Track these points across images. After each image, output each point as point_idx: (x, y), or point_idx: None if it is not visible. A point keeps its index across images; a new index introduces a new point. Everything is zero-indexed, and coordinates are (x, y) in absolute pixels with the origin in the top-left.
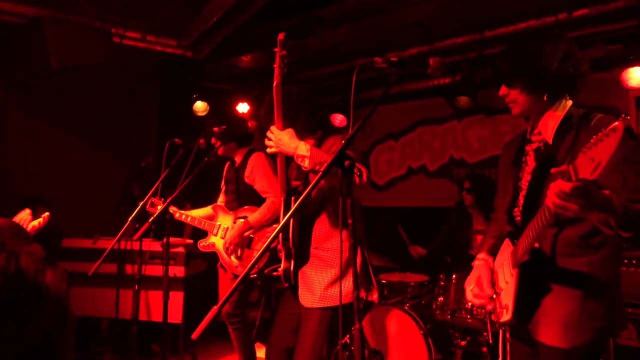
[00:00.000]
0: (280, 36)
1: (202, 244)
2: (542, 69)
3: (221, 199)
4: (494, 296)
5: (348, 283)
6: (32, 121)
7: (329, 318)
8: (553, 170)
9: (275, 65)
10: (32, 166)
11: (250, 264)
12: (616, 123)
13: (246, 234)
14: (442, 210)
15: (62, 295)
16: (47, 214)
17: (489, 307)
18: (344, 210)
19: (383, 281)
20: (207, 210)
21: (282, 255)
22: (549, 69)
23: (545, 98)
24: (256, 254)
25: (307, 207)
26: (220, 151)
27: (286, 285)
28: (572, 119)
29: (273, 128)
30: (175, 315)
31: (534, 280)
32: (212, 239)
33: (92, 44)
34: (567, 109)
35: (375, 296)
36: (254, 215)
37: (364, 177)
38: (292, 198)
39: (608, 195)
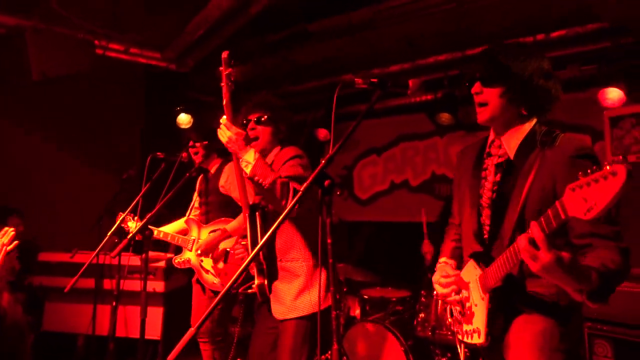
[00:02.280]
0: (224, 54)
1: (176, 260)
2: (530, 79)
3: (193, 213)
4: (461, 314)
5: (316, 292)
6: (12, 131)
7: (304, 328)
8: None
9: (222, 84)
10: (10, 177)
11: (230, 281)
12: (616, 166)
13: (224, 242)
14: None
15: (18, 317)
16: (12, 232)
17: (466, 314)
18: (324, 229)
19: (365, 296)
20: (179, 223)
21: (255, 271)
22: (535, 82)
23: (523, 111)
24: (237, 271)
25: (268, 221)
26: (195, 159)
27: (260, 300)
28: (535, 136)
29: (226, 122)
30: (154, 331)
31: (504, 302)
32: (187, 254)
33: (74, 55)
34: (532, 125)
35: (357, 311)
36: (232, 223)
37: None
38: (257, 213)
39: (586, 268)
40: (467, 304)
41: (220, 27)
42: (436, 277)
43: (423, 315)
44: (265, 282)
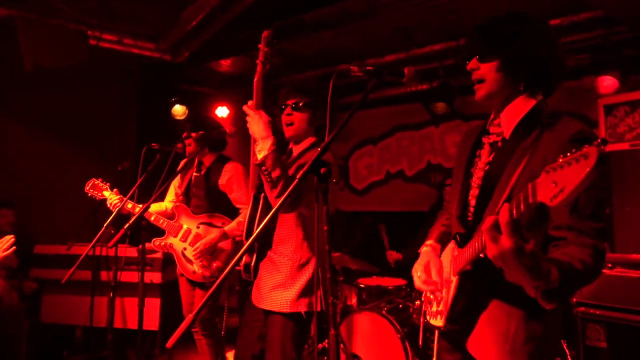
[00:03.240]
0: (265, 33)
1: (157, 242)
2: (527, 49)
3: (171, 199)
4: (429, 297)
5: (290, 294)
6: (4, 122)
7: (291, 324)
8: (501, 210)
9: (258, 61)
10: (4, 170)
11: (227, 269)
12: (588, 148)
13: (221, 243)
14: (419, 215)
15: (14, 302)
16: (11, 239)
17: (436, 295)
18: (320, 217)
19: (361, 285)
20: (157, 206)
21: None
22: (534, 52)
23: (521, 87)
24: (231, 261)
25: (272, 208)
26: (189, 149)
27: (244, 277)
28: (539, 115)
29: (252, 104)
30: (152, 322)
31: (473, 291)
32: (171, 239)
33: (67, 46)
34: (534, 103)
35: (353, 300)
36: (231, 225)
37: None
38: (262, 196)
39: (546, 267)
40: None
41: (215, 17)
42: (416, 268)
43: (419, 302)
44: (252, 262)
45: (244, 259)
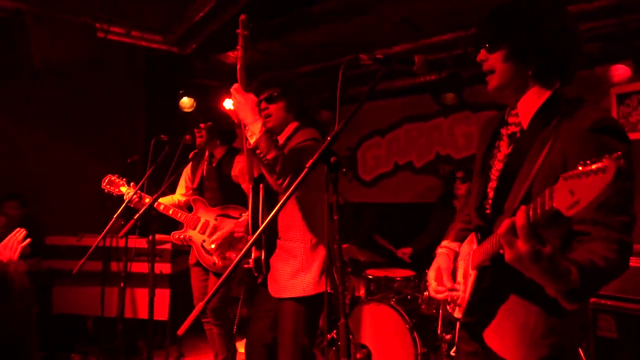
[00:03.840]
0: (242, 17)
1: (177, 236)
2: (534, 35)
3: (182, 191)
4: (454, 288)
5: (311, 275)
6: (15, 117)
7: (303, 309)
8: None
9: (238, 47)
10: (15, 165)
11: (236, 260)
12: (607, 161)
13: (236, 235)
14: (428, 206)
15: (25, 285)
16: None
17: (450, 299)
18: (330, 207)
19: (369, 276)
20: (168, 199)
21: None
22: (544, 38)
23: (533, 75)
24: (241, 252)
25: (273, 197)
26: (198, 141)
27: (256, 274)
28: (557, 104)
29: (237, 87)
30: (162, 312)
31: (493, 285)
32: (190, 232)
33: (75, 40)
34: (552, 91)
35: (362, 291)
36: (246, 215)
37: (286, 179)
38: (260, 186)
39: (566, 268)
40: (457, 276)
41: (222, 9)
42: (430, 275)
43: (427, 293)
44: (262, 255)
45: (253, 253)
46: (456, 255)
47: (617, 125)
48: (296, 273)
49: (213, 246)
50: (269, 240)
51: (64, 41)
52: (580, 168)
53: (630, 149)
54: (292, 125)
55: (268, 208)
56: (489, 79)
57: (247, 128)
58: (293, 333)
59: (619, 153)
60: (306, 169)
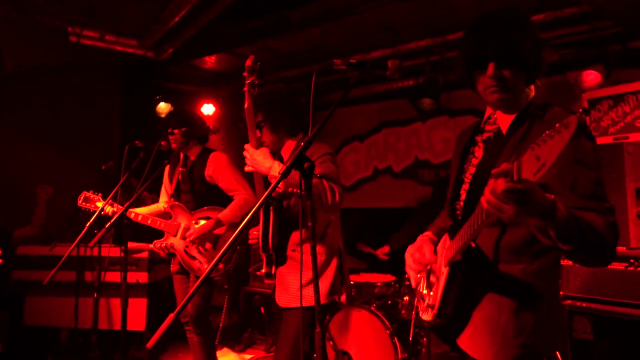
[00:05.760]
0: (248, 62)
1: (159, 245)
2: (530, 51)
3: (165, 199)
4: (422, 292)
5: (324, 285)
6: None
7: (308, 318)
8: (494, 170)
9: (244, 89)
10: None
11: (211, 265)
12: (569, 117)
13: (216, 231)
14: (407, 211)
15: None
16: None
17: (418, 278)
18: (304, 212)
19: (350, 282)
20: (153, 208)
21: (264, 259)
22: (536, 53)
23: (522, 83)
24: (217, 255)
25: (286, 212)
26: (174, 145)
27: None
28: (528, 109)
29: (248, 147)
30: (138, 323)
31: (465, 283)
32: (172, 239)
33: (47, 43)
34: (530, 97)
35: (343, 297)
36: (224, 211)
37: (337, 197)
38: (271, 207)
39: (552, 200)
40: (432, 278)
41: (199, 13)
42: (409, 249)
43: (407, 298)
44: (273, 271)
45: (263, 269)
46: (436, 245)
47: (585, 124)
48: (308, 283)
49: (192, 239)
50: (279, 253)
51: (35, 45)
52: (545, 133)
53: (596, 147)
54: (291, 143)
55: (279, 226)
56: (497, 90)
57: (270, 177)
58: (295, 339)
59: (580, 110)
60: (280, 176)
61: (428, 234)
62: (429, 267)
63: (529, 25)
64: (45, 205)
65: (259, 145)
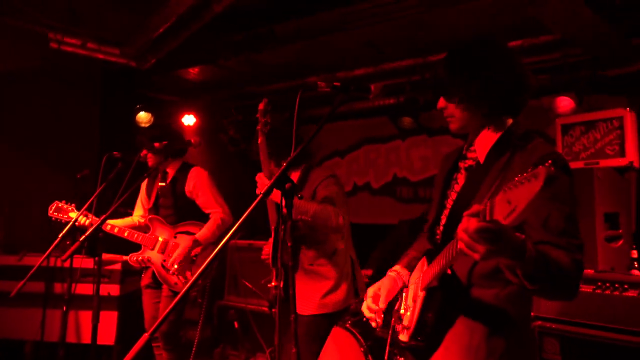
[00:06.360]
0: (261, 106)
1: (135, 258)
2: (481, 80)
3: (140, 213)
4: (399, 313)
5: (341, 294)
6: None
7: (323, 324)
8: (465, 212)
9: (258, 128)
10: None
11: (191, 281)
12: (539, 169)
13: (193, 252)
14: (384, 228)
15: None
16: None
17: (375, 323)
18: (285, 232)
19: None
20: (127, 221)
21: (274, 273)
22: (488, 81)
23: (482, 114)
24: (197, 272)
25: (297, 230)
26: (151, 162)
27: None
28: (510, 139)
29: (260, 175)
30: (108, 337)
31: (440, 308)
32: (149, 253)
33: (27, 48)
34: (506, 127)
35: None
36: (202, 232)
37: (340, 220)
38: (281, 228)
39: (522, 240)
40: (407, 300)
41: (183, 25)
42: (368, 292)
43: (382, 316)
44: (282, 284)
45: (273, 282)
46: (403, 286)
47: (563, 159)
48: (327, 293)
49: (176, 266)
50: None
51: (13, 49)
52: (516, 178)
53: (572, 182)
54: (296, 174)
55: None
56: (450, 121)
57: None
58: (306, 342)
59: (550, 162)
60: (260, 196)
61: (397, 269)
62: (405, 289)
63: (479, 60)
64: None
65: (270, 175)
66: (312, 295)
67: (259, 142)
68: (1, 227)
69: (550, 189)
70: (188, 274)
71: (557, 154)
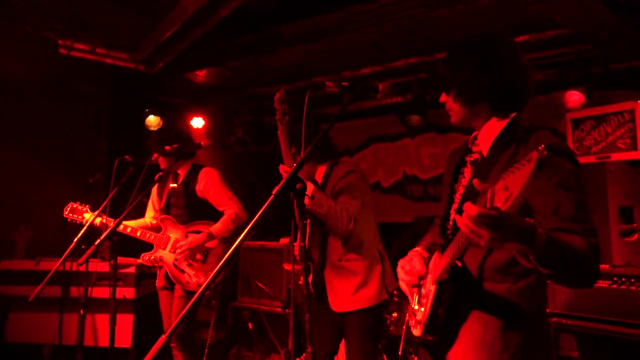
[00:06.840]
0: (277, 95)
1: (147, 257)
2: (479, 76)
3: (151, 214)
4: (413, 308)
5: (373, 288)
6: None
7: (367, 320)
8: (466, 204)
9: (277, 118)
10: None
11: (207, 282)
12: (532, 153)
13: (208, 244)
14: (395, 226)
15: None
16: None
17: (411, 290)
18: (295, 231)
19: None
20: (140, 222)
21: (302, 270)
22: (488, 78)
23: (483, 109)
24: (212, 272)
25: (325, 225)
26: (162, 165)
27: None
28: (515, 131)
29: (283, 167)
30: (124, 339)
31: (451, 301)
32: (161, 252)
33: (36, 55)
34: (509, 119)
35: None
36: (216, 225)
37: (351, 225)
38: (307, 222)
39: (531, 224)
40: (423, 294)
41: (190, 28)
42: (400, 262)
43: (396, 314)
44: (310, 280)
45: (302, 278)
46: (420, 278)
47: (568, 149)
48: (358, 288)
49: (184, 249)
50: (320, 263)
51: (24, 56)
52: (514, 166)
53: (578, 170)
54: (322, 168)
55: (319, 235)
56: (450, 114)
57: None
58: (360, 343)
59: (543, 146)
60: (272, 196)
61: (418, 249)
62: (421, 282)
63: (475, 55)
64: (25, 244)
65: (291, 164)
66: (343, 292)
67: (278, 132)
68: (29, 235)
69: (549, 174)
70: (202, 275)
71: (558, 143)
